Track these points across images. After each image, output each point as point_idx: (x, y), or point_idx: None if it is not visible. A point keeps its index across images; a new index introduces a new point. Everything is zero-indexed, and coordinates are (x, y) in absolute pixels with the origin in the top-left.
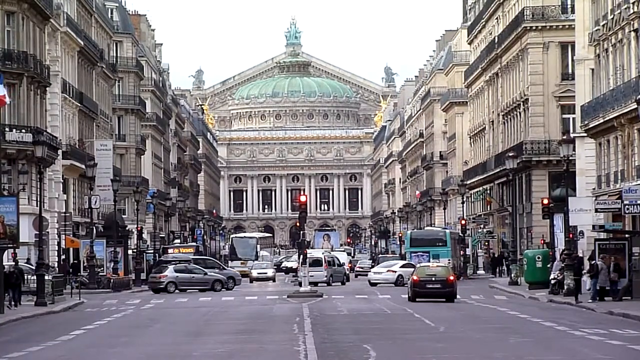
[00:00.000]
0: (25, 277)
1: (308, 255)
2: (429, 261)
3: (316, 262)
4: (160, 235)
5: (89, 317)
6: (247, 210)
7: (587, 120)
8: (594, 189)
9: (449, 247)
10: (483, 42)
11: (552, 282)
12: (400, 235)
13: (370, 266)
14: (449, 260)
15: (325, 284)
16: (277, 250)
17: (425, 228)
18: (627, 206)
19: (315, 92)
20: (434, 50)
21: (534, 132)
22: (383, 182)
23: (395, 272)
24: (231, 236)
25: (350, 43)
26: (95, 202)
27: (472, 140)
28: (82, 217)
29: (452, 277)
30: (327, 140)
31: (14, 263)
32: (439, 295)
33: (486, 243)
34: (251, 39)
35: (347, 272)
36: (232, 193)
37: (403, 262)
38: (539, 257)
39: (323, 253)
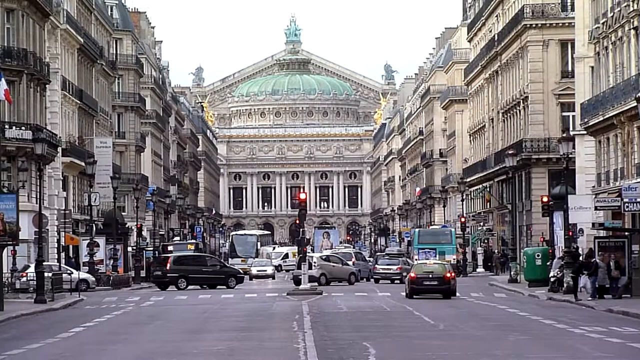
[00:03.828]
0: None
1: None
2: (436, 257)
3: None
4: (160, 233)
5: (89, 314)
6: (246, 207)
7: (587, 118)
8: (593, 186)
9: (454, 244)
10: (483, 39)
11: (552, 279)
12: (400, 232)
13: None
14: (454, 256)
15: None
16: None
17: (431, 226)
18: (626, 204)
19: (315, 90)
20: (433, 48)
21: (533, 129)
22: (383, 180)
23: None
24: (231, 234)
25: (350, 40)
26: (95, 199)
27: (471, 137)
28: (82, 215)
29: (449, 274)
30: (326, 137)
31: None
32: (436, 292)
33: (486, 241)
34: (251, 37)
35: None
36: (231, 190)
37: None
38: (538, 255)
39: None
